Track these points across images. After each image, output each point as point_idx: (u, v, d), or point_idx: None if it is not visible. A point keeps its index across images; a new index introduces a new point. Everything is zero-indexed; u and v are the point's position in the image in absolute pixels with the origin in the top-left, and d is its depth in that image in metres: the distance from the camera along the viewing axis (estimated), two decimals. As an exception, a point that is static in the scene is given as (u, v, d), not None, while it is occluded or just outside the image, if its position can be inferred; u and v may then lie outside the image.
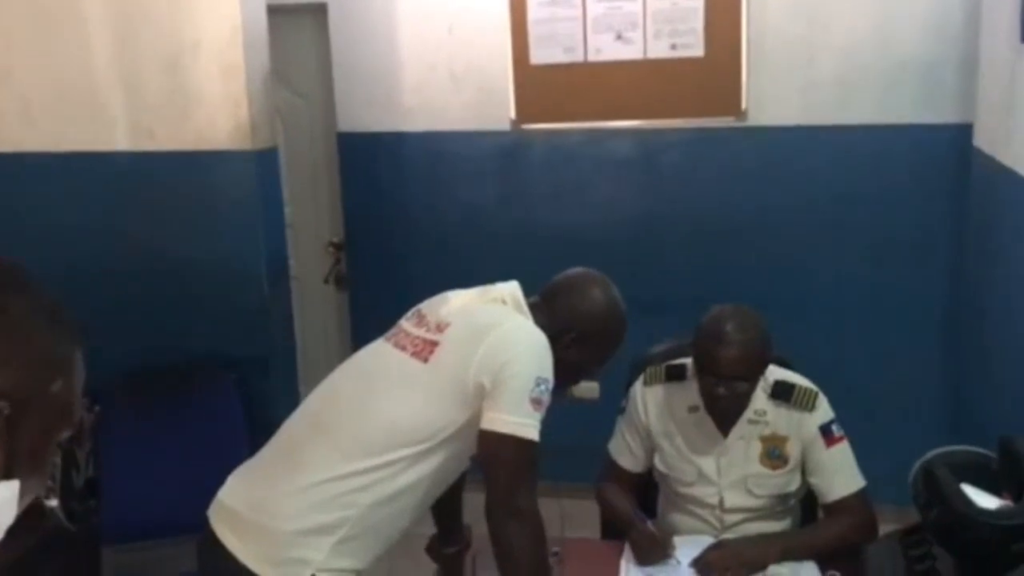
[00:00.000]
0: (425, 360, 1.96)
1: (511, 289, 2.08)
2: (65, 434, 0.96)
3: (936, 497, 1.96)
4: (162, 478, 3.09)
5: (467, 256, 3.96)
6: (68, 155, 3.29)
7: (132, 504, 3.05)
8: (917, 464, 2.11)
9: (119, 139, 3.27)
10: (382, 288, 4.12)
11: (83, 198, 3.29)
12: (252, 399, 3.23)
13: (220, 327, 3.27)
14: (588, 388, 3.87)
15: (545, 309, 2.06)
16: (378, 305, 3.94)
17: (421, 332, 2.01)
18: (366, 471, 1.89)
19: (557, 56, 3.87)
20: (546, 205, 3.94)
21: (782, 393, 2.39)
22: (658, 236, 3.81)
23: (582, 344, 2.07)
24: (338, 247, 4.38)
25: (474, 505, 2.37)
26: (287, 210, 3.68)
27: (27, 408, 0.90)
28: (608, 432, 2.60)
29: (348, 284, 4.39)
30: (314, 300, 4.41)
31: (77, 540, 2.99)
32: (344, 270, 4.39)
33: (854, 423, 2.41)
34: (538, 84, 3.90)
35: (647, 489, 2.60)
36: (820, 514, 2.55)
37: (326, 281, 4.41)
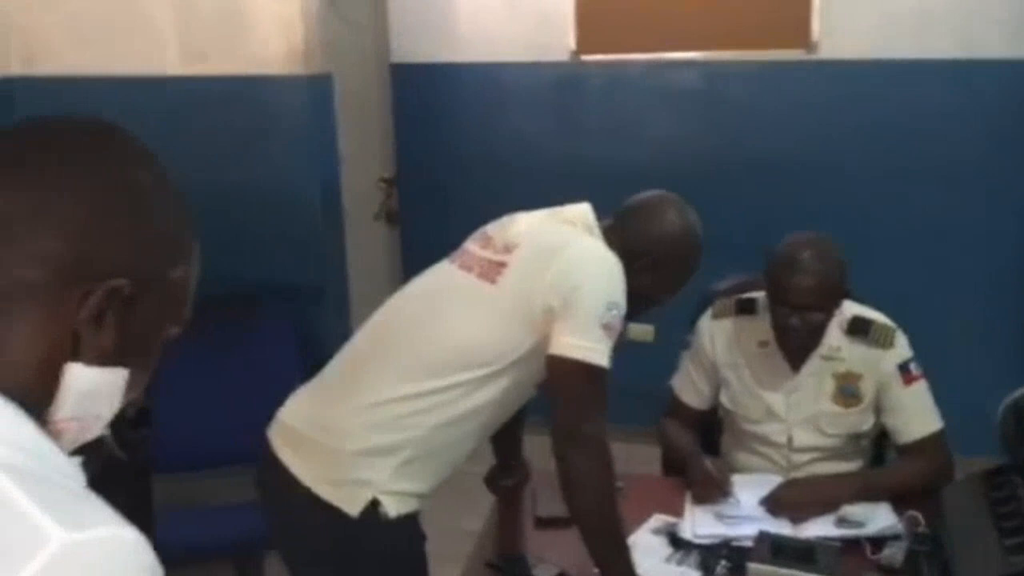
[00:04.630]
0: (492, 281, 1.88)
1: (582, 211, 1.99)
2: (174, 331, 0.91)
3: (1029, 435, 1.87)
4: (213, 406, 3.06)
5: (522, 191, 3.81)
6: (119, 79, 3.23)
7: (183, 433, 3.02)
8: (1006, 401, 2.02)
9: (170, 62, 3.20)
10: (434, 224, 4.03)
11: (134, 122, 3.21)
12: (304, 329, 3.18)
13: (273, 256, 3.22)
14: (643, 331, 3.80)
15: (618, 232, 1.97)
16: (429, 242, 3.85)
17: (488, 253, 1.93)
18: (430, 392, 1.82)
19: (620, -16, 3.74)
20: (605, 139, 3.83)
21: (859, 329, 2.29)
22: (721, 172, 3.68)
23: (656, 270, 1.97)
24: (389, 183, 4.29)
25: (532, 443, 2.32)
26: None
27: (146, 291, 0.84)
28: (667, 372, 2.52)
29: (399, 220, 4.32)
30: (364, 236, 4.34)
31: (128, 469, 2.99)
32: (395, 206, 4.31)
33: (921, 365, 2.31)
34: (599, 13, 3.77)
35: (710, 427, 2.52)
36: (889, 455, 2.47)
37: (376, 217, 4.34)
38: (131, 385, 0.87)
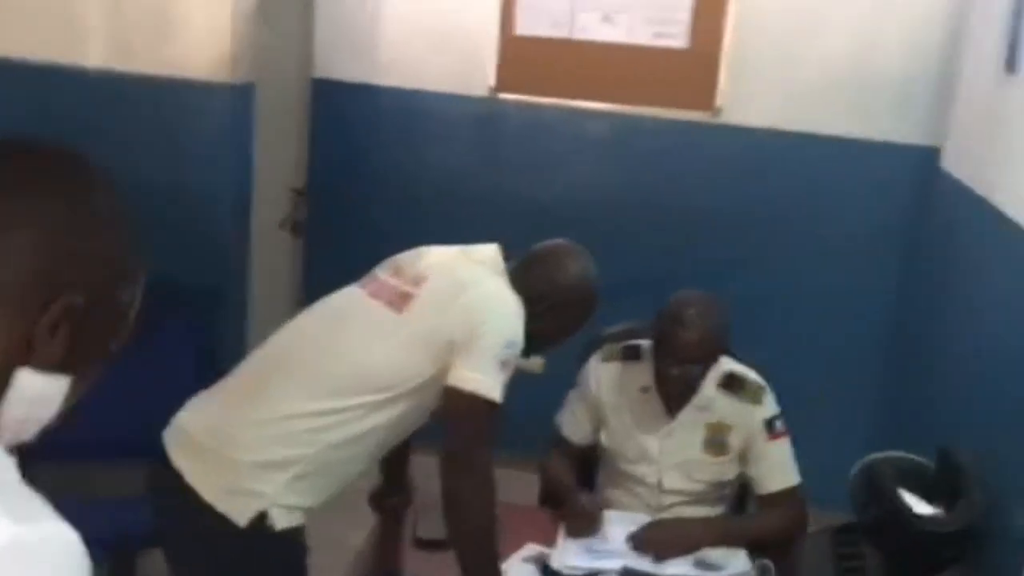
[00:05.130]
0: (399, 311, 1.98)
1: (491, 252, 2.10)
2: (115, 348, 0.96)
3: (874, 498, 2.04)
4: (101, 398, 3.04)
5: (430, 219, 3.94)
6: (39, 65, 3.20)
7: (69, 422, 3.00)
8: (858, 465, 2.20)
9: (94, 54, 3.20)
10: (339, 239, 4.09)
11: (50, 111, 3.20)
12: (201, 332, 3.20)
13: (177, 257, 3.21)
14: (534, 363, 3.91)
15: (523, 276, 2.09)
16: (334, 256, 3.92)
17: (397, 283, 2.03)
18: (330, 412, 1.90)
19: (543, 29, 3.86)
20: (516, 176, 3.94)
21: (732, 384, 2.45)
22: (625, 221, 3.82)
23: (554, 314, 2.10)
24: (298, 193, 4.32)
25: (418, 464, 2.40)
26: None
27: (97, 309, 0.90)
28: (554, 406, 2.64)
29: (303, 232, 4.35)
30: (269, 244, 4.36)
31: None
32: (301, 217, 4.34)
33: (787, 422, 2.47)
34: (520, 55, 3.89)
35: (590, 463, 2.65)
36: (749, 505, 2.63)
37: (281, 227, 4.36)
38: (71, 394, 0.93)
